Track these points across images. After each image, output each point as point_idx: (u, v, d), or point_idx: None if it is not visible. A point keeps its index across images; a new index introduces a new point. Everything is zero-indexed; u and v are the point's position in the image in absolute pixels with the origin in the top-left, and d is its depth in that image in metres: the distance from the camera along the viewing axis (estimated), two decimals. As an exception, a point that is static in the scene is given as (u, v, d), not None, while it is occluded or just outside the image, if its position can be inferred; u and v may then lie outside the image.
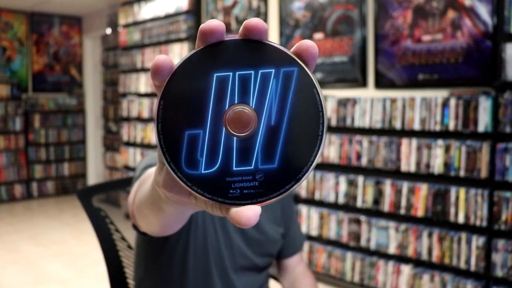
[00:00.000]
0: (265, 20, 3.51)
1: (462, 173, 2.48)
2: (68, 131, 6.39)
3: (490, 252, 2.40)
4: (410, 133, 2.71)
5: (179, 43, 4.20)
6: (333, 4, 3.08)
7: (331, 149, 3.04)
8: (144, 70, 4.63)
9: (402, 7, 2.74)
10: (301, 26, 3.27)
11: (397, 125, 2.73)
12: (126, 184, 1.45)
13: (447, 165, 2.53)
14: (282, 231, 1.17)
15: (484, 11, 2.42)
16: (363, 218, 2.91)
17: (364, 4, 2.92)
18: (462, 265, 2.49)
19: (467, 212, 2.47)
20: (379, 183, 2.83)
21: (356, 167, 2.95)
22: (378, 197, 2.84)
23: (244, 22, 0.35)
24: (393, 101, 2.74)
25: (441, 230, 2.58)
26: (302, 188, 3.20)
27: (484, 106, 2.39)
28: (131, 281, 1.35)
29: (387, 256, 2.84)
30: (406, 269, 2.73)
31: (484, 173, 2.40)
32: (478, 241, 2.43)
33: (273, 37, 3.48)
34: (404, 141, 2.70)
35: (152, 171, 0.71)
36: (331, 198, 3.05)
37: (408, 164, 2.69)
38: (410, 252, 2.70)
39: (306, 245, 3.19)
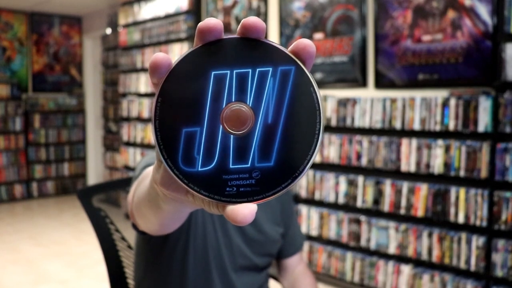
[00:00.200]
0: (265, 20, 3.51)
1: (462, 173, 2.48)
2: (68, 131, 6.39)
3: (490, 252, 2.40)
4: (410, 133, 2.71)
5: (179, 43, 4.20)
6: (333, 4, 3.08)
7: (331, 149, 3.04)
8: (144, 70, 4.63)
9: (402, 7, 2.74)
10: (301, 26, 3.27)
11: (397, 125, 2.73)
12: (126, 184, 1.45)
13: (447, 165, 2.53)
14: (281, 231, 1.17)
15: (484, 11, 2.42)
16: (363, 218, 2.91)
17: (364, 4, 2.92)
18: (462, 265, 2.49)
19: (467, 212, 2.47)
20: (379, 183, 2.83)
21: (356, 167, 2.95)
22: (378, 197, 2.84)
23: (242, 21, 0.35)
24: (393, 101, 2.74)
25: (441, 230, 2.57)
26: (302, 188, 3.20)
27: (484, 106, 2.39)
28: (131, 281, 1.35)
29: (387, 256, 2.84)
30: (406, 269, 2.72)
31: (484, 173, 2.40)
32: (478, 241, 2.43)
33: (273, 37, 3.48)
34: (404, 141, 2.70)
35: (150, 169, 0.71)
36: (331, 198, 3.05)
37: (408, 164, 2.69)
38: (410, 252, 2.70)
39: (306, 245, 3.19)
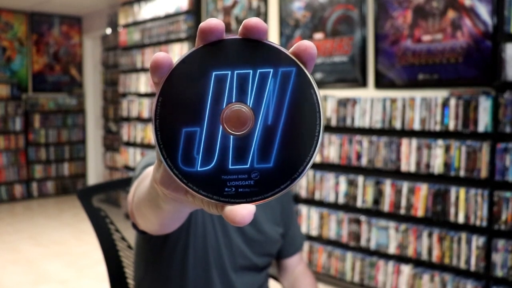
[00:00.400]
0: (265, 20, 3.51)
1: (462, 173, 2.48)
2: (68, 131, 6.39)
3: (490, 252, 2.40)
4: (410, 133, 2.71)
5: (179, 43, 4.20)
6: (333, 4, 3.08)
7: (331, 149, 3.04)
8: (144, 70, 4.63)
9: (402, 7, 2.74)
10: (301, 26, 3.27)
11: (397, 125, 2.73)
12: (126, 184, 1.45)
13: (447, 165, 2.53)
14: (281, 231, 1.17)
15: (484, 11, 2.42)
16: (363, 218, 2.91)
17: (364, 4, 2.92)
18: (462, 265, 2.49)
19: (467, 212, 2.47)
20: (379, 183, 2.83)
21: (356, 167, 2.95)
22: (378, 197, 2.84)
23: (243, 22, 0.35)
24: (393, 101, 2.74)
25: (441, 230, 2.57)
26: (302, 188, 3.20)
27: (484, 106, 2.39)
28: (131, 281, 1.35)
29: (387, 256, 2.84)
30: (406, 269, 2.72)
31: (484, 173, 2.40)
32: (478, 241, 2.43)
33: (273, 37, 3.48)
34: (404, 141, 2.70)
35: (151, 169, 0.71)
36: (331, 198, 3.05)
37: (408, 164, 2.69)
38: (410, 252, 2.70)
39: (306, 245, 3.19)
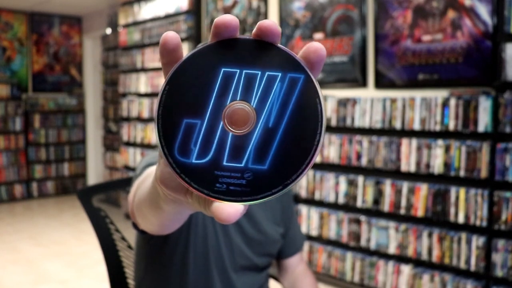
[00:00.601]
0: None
1: (462, 173, 2.48)
2: (68, 131, 6.39)
3: (490, 252, 2.40)
4: (410, 133, 2.71)
5: (179, 43, 4.19)
6: (333, 4, 3.08)
7: (331, 149, 3.04)
8: (144, 70, 4.63)
9: (402, 7, 2.74)
10: (301, 26, 3.27)
11: (397, 125, 2.73)
12: (126, 184, 1.45)
13: (447, 165, 2.53)
14: (282, 231, 1.17)
15: (484, 11, 2.42)
16: (363, 218, 2.91)
17: (364, 4, 2.92)
18: (462, 265, 2.49)
19: (467, 212, 2.47)
20: (379, 183, 2.83)
21: (356, 167, 2.95)
22: (378, 197, 2.84)
23: (258, 23, 0.35)
24: (393, 101, 2.74)
25: (441, 230, 2.58)
26: (302, 188, 3.20)
27: (484, 106, 2.39)
28: (131, 281, 1.35)
29: (387, 256, 2.84)
30: (406, 269, 2.73)
31: (484, 173, 2.40)
32: (478, 241, 2.43)
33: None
34: (404, 141, 2.70)
35: (152, 169, 0.72)
36: (331, 198, 3.06)
37: (408, 164, 2.69)
38: (410, 252, 2.70)
39: (306, 245, 3.19)
